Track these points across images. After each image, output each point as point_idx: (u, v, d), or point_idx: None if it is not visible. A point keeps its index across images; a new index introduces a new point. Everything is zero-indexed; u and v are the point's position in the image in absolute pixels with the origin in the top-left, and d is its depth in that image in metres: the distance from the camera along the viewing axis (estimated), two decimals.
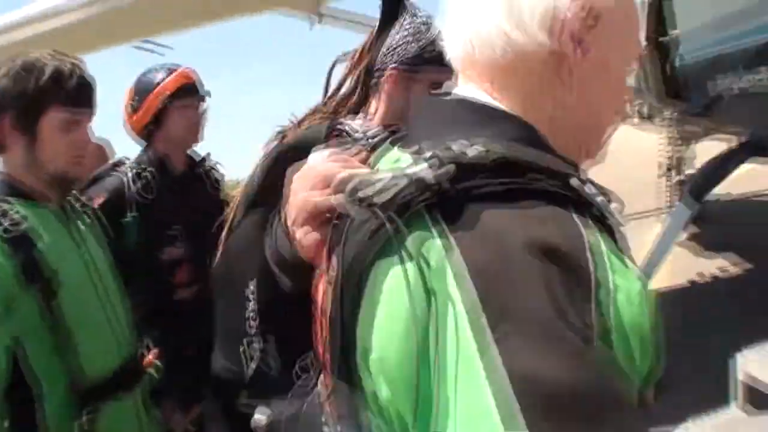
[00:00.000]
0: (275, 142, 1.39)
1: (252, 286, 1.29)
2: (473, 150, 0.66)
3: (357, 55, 1.48)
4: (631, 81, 4.10)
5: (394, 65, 1.45)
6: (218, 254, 1.40)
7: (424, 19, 1.47)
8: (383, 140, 0.98)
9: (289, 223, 0.89)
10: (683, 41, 4.40)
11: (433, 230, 0.64)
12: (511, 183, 0.64)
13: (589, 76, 0.74)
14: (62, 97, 1.53)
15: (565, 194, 0.65)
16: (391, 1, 1.48)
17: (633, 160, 6.92)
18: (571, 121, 0.76)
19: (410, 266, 0.63)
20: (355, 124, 1.40)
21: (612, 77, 0.78)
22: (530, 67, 0.73)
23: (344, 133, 1.36)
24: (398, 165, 0.72)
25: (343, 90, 1.47)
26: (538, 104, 0.74)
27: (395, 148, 0.82)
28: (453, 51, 0.81)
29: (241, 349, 1.32)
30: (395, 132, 0.94)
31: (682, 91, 4.62)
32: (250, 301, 1.30)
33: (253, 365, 1.31)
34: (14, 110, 1.52)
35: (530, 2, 0.72)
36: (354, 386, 0.70)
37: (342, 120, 1.41)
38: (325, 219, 0.79)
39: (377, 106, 1.47)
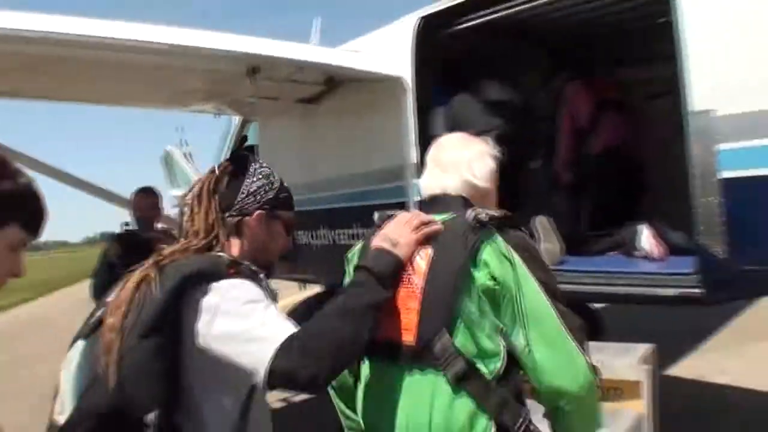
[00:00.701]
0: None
1: (152, 416, 1.40)
2: (484, 213, 1.69)
3: (202, 195, 1.68)
4: None
5: (257, 207, 1.70)
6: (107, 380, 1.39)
7: (269, 170, 1.77)
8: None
9: (383, 244, 1.67)
10: None
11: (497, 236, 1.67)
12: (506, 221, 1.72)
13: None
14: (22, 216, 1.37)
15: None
16: (241, 157, 1.76)
17: None
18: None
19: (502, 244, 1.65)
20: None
21: None
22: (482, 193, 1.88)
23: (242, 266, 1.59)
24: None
25: (202, 226, 1.64)
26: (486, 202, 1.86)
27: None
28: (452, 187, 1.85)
29: None
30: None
31: None
32: (149, 427, 1.40)
33: None
34: None
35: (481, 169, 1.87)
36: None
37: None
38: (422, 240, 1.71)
39: (241, 242, 1.69)
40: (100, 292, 3.71)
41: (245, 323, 1.47)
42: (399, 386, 1.64)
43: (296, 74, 4.39)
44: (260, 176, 1.74)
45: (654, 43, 3.91)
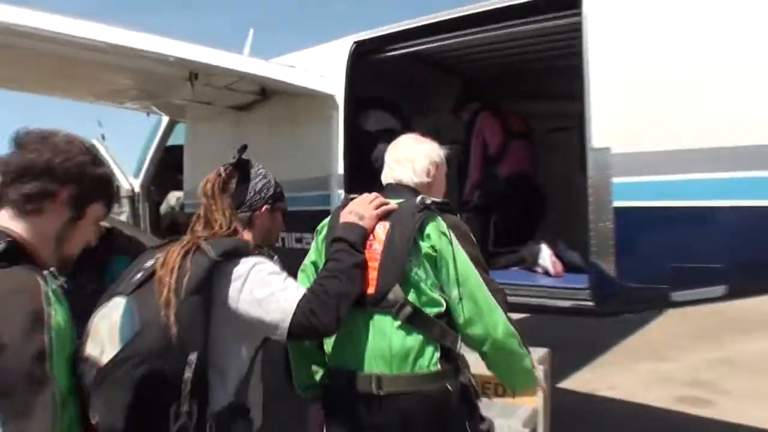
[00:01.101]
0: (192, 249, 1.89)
1: (193, 356, 1.73)
2: (429, 199, 2.20)
3: (215, 195, 2.07)
4: None
5: (263, 203, 2.14)
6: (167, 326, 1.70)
7: (264, 170, 2.20)
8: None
9: (350, 217, 2.15)
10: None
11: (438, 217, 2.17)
12: (444, 207, 2.27)
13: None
14: (107, 196, 1.76)
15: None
16: (242, 162, 2.14)
17: None
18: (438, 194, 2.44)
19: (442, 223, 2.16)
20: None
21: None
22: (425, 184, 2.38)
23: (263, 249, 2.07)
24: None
25: (222, 221, 2.04)
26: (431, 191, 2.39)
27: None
28: (403, 179, 2.38)
29: (171, 410, 1.71)
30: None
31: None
32: (190, 366, 1.73)
33: (176, 425, 1.72)
34: (77, 188, 1.65)
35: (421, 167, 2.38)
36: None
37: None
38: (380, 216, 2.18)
39: (252, 232, 2.12)
40: None
41: (270, 289, 1.90)
42: (364, 325, 2.14)
43: (234, 83, 4.60)
44: (260, 177, 2.17)
45: (560, 82, 4.41)
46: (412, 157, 2.40)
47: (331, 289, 1.96)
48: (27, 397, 1.40)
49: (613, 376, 6.55)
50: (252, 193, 2.13)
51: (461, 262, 2.14)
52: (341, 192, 4.37)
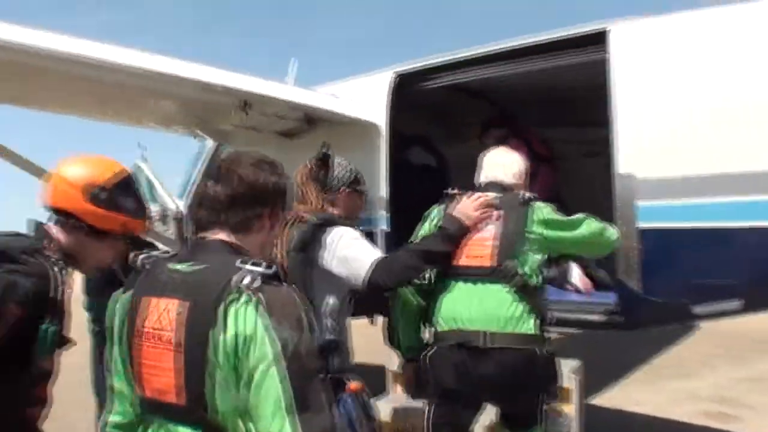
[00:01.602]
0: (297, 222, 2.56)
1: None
2: (529, 194, 3.02)
3: (306, 182, 2.75)
4: None
5: (344, 187, 2.78)
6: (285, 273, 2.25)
7: (346, 162, 2.86)
8: None
9: (458, 214, 2.83)
10: None
11: None
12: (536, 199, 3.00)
13: None
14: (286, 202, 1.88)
15: None
16: (324, 155, 2.81)
17: None
18: None
19: (545, 209, 2.93)
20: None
21: None
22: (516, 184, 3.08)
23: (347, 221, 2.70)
24: None
25: (314, 201, 2.71)
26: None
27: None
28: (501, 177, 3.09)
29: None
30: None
31: None
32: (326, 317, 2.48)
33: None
34: (275, 204, 1.76)
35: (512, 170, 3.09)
36: None
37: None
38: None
39: (337, 208, 2.75)
40: (93, 289, 3.78)
41: (354, 251, 2.52)
42: (479, 292, 2.76)
43: (283, 111, 4.96)
44: (341, 167, 2.82)
45: (587, 110, 4.71)
46: (504, 164, 3.13)
47: (402, 259, 2.62)
48: (319, 394, 1.46)
49: (639, 392, 6.73)
50: (333, 179, 2.76)
51: (572, 225, 2.88)
52: (384, 213, 4.70)
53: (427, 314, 2.91)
